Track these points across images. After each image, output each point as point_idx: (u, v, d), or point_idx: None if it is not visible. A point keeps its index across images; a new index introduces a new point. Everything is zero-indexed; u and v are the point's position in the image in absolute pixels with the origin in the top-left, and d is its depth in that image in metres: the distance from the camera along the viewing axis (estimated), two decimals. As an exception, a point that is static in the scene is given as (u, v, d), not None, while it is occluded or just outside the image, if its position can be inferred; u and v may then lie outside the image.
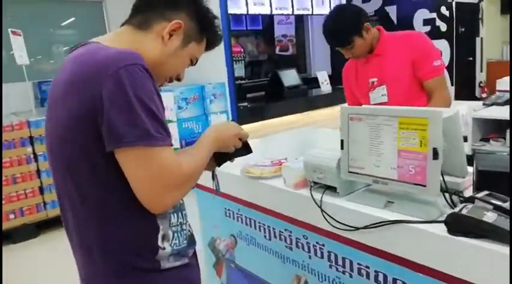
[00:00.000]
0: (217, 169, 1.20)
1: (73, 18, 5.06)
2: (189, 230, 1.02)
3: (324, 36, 1.85)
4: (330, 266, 1.26)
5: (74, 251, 0.97)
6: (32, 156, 3.28)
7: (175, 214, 0.94)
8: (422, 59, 1.78)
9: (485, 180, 1.08)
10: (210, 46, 1.03)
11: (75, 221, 0.90)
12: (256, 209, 1.51)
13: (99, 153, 0.80)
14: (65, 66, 0.87)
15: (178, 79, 1.03)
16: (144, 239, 0.88)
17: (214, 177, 1.18)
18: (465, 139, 2.34)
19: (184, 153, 0.93)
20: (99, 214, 0.85)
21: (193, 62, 1.02)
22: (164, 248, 0.89)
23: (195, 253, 1.03)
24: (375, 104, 1.86)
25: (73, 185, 0.86)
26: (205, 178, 1.19)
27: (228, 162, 1.16)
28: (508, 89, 2.88)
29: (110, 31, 4.97)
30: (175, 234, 0.93)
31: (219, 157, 1.13)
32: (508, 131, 2.21)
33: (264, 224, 1.49)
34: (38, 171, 3.32)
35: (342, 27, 1.76)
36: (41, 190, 3.34)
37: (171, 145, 0.83)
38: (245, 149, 1.15)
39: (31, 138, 3.28)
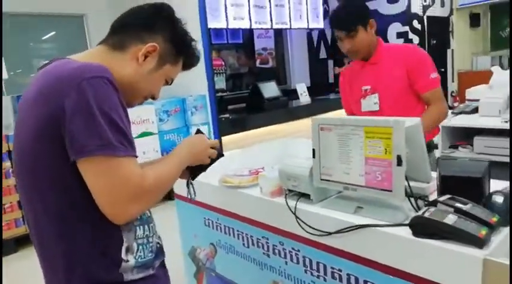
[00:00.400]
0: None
1: (53, 32, 5.04)
2: (158, 243, 1.02)
3: (330, 22, 1.86)
4: (305, 271, 1.30)
5: (41, 267, 0.96)
6: (10, 170, 3.23)
7: (141, 227, 0.94)
8: (419, 72, 1.80)
9: (448, 185, 1.14)
10: (186, 67, 1.06)
11: (38, 234, 0.90)
12: (234, 218, 1.55)
13: (62, 163, 0.80)
14: (35, 80, 0.89)
15: (153, 98, 1.04)
16: (107, 251, 0.87)
17: (188, 185, 1.20)
18: (436, 146, 2.43)
19: (150, 165, 0.93)
20: (62, 225, 0.85)
21: (168, 82, 1.03)
22: (128, 261, 0.89)
23: (162, 264, 1.04)
24: (365, 112, 1.89)
25: (38, 196, 0.86)
26: (184, 188, 1.22)
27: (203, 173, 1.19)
28: (476, 98, 3.02)
29: (91, 45, 5.01)
30: (141, 247, 0.93)
31: (193, 170, 1.15)
32: (475, 138, 2.32)
33: (242, 233, 1.53)
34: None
35: (350, 13, 1.81)
36: (20, 204, 3.28)
37: (135, 156, 0.84)
38: (218, 154, 1.17)
39: (9, 152, 3.24)
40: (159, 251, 1.01)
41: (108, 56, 0.94)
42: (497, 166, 1.80)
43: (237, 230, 1.55)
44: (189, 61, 1.05)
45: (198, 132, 1.19)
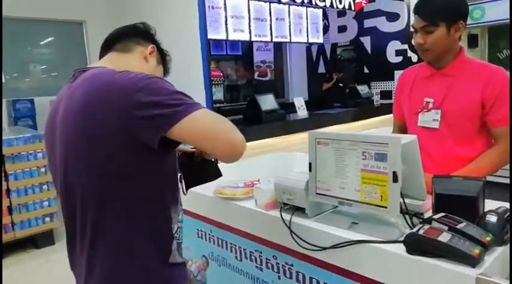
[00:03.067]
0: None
1: (52, 38, 5.06)
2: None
3: (415, 5, 1.56)
4: (298, 286, 1.29)
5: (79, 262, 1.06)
6: (2, 174, 3.20)
7: (180, 213, 1.13)
8: (499, 102, 1.50)
9: (442, 203, 1.15)
10: (164, 73, 1.28)
11: (93, 221, 0.98)
12: (227, 230, 1.53)
13: (130, 158, 0.94)
14: (77, 86, 1.01)
15: None
16: (164, 230, 1.03)
17: (181, 179, 1.24)
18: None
19: None
20: (127, 210, 0.97)
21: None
22: (176, 238, 1.06)
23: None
24: (421, 127, 1.65)
25: (113, 194, 0.96)
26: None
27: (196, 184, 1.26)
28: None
29: (90, 51, 5.03)
30: (179, 229, 1.12)
31: (189, 181, 1.21)
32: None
33: (235, 245, 1.51)
34: (8, 191, 3.24)
35: (440, 2, 1.51)
36: (10, 210, 3.25)
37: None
38: (215, 173, 1.25)
39: (2, 156, 3.22)
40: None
41: (124, 59, 1.14)
42: (493, 186, 1.81)
43: (230, 243, 1.53)
44: (166, 68, 1.28)
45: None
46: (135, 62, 1.15)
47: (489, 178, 1.71)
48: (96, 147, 0.93)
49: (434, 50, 1.55)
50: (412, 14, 1.57)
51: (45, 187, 3.36)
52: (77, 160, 0.98)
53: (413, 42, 1.61)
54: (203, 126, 0.93)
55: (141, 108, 0.89)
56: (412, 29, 1.61)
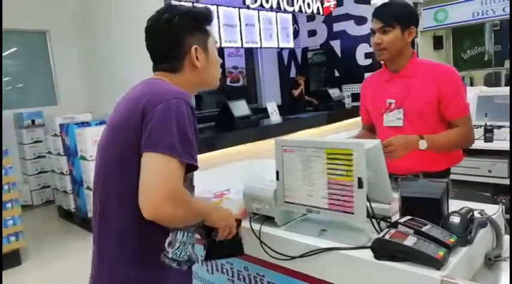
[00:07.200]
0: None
1: (15, 48, 4.90)
2: (191, 252, 1.15)
3: (374, 11, 1.75)
4: (270, 296, 1.27)
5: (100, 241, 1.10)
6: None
7: (181, 232, 1.10)
8: (454, 98, 1.66)
9: (408, 205, 1.16)
10: (208, 23, 1.20)
11: (103, 211, 1.08)
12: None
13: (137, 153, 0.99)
14: (139, 87, 1.13)
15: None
16: (155, 238, 1.05)
17: (205, 246, 1.25)
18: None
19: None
20: (128, 204, 1.00)
21: (217, 46, 1.25)
22: (167, 253, 1.07)
23: (189, 269, 1.19)
24: (387, 126, 1.76)
25: (114, 177, 1.05)
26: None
27: None
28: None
29: (54, 61, 4.89)
30: (180, 247, 1.10)
31: (212, 252, 1.22)
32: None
33: (206, 258, 1.48)
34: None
35: (396, 8, 1.71)
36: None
37: (195, 167, 1.03)
38: (238, 248, 1.23)
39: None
40: (190, 259, 1.15)
41: (174, 78, 1.14)
42: (458, 184, 1.86)
43: (201, 256, 1.50)
44: (207, 20, 1.19)
45: None
46: (189, 78, 1.15)
47: (454, 177, 1.77)
48: (120, 136, 1.04)
49: (389, 49, 1.70)
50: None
51: (9, 205, 3.21)
52: (107, 144, 1.09)
53: (371, 43, 1.75)
54: (147, 171, 0.96)
55: (154, 119, 0.98)
56: (371, 28, 1.76)
